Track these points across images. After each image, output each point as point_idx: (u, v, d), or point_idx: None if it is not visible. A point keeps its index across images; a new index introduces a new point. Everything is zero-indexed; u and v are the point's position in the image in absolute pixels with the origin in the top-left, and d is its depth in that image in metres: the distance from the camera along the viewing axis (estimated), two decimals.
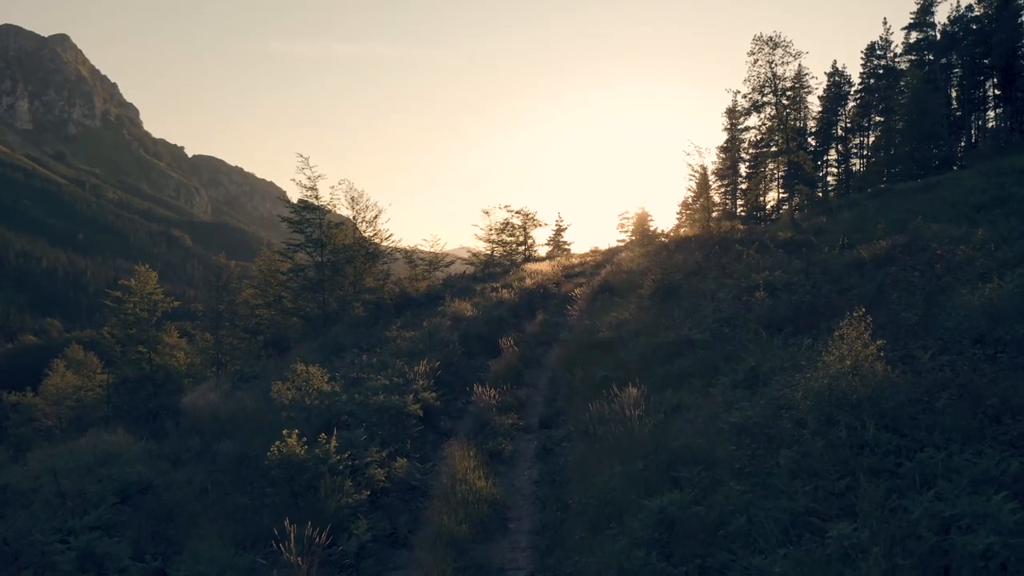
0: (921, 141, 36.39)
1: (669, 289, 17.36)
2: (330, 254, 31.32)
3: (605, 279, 25.04)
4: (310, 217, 30.92)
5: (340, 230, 31.62)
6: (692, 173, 46.86)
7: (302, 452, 9.87)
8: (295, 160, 30.76)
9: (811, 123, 51.01)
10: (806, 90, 29.94)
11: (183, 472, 19.37)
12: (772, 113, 28.96)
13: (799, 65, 28.56)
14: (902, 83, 45.33)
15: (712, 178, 57.97)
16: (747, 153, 57.08)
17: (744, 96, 29.18)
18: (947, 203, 23.80)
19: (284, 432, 10.02)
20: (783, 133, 29.22)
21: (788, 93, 28.38)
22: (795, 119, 32.40)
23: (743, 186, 58.25)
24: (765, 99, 28.57)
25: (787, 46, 28.51)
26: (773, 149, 33.29)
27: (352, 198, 34.13)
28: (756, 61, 28.60)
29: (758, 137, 32.64)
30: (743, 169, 58.03)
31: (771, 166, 58.98)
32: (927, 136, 36.31)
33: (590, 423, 10.32)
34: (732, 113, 58.00)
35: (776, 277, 15.29)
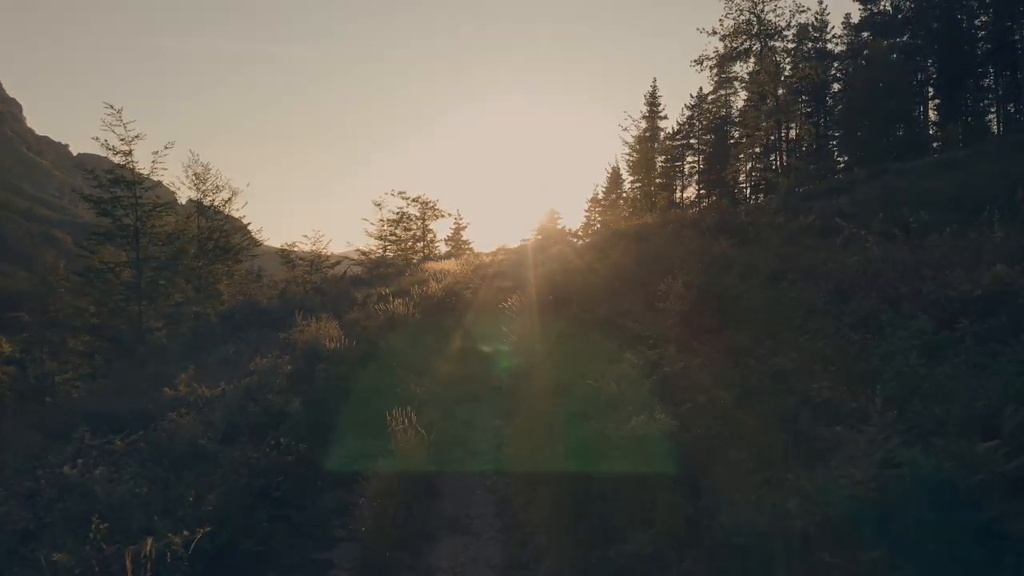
0: (890, 122, 29.47)
1: (726, 302, 8.20)
2: (153, 247, 20.49)
3: (555, 283, 15.72)
4: (121, 195, 19.93)
5: (166, 213, 20.77)
6: (630, 151, 39.36)
7: None
8: (104, 114, 19.89)
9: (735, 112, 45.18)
10: (803, 35, 21.80)
11: None
12: (756, 63, 20.71)
13: (793, 2, 20.38)
14: (835, 67, 39.27)
15: (625, 173, 52.76)
16: (663, 145, 50.82)
17: (722, 38, 20.72)
18: (1012, 179, 16.20)
19: None
20: (772, 86, 21.03)
21: (784, 34, 20.28)
22: (806, 71, 24.42)
23: (659, 181, 51.66)
24: (753, 46, 20.29)
25: None
26: (752, 114, 25.18)
27: (196, 174, 23.41)
28: None
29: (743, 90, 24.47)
30: (659, 163, 51.49)
31: (691, 159, 53.20)
32: (896, 117, 29.44)
33: None
34: (652, 99, 51.06)
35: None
